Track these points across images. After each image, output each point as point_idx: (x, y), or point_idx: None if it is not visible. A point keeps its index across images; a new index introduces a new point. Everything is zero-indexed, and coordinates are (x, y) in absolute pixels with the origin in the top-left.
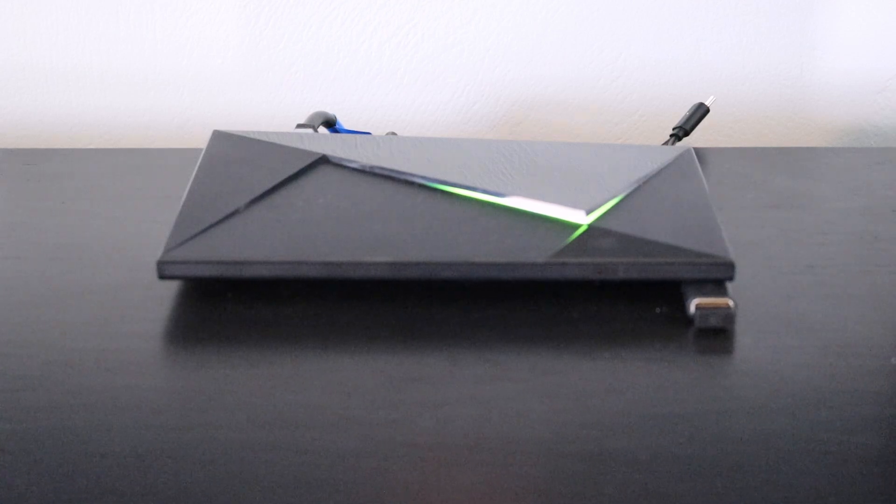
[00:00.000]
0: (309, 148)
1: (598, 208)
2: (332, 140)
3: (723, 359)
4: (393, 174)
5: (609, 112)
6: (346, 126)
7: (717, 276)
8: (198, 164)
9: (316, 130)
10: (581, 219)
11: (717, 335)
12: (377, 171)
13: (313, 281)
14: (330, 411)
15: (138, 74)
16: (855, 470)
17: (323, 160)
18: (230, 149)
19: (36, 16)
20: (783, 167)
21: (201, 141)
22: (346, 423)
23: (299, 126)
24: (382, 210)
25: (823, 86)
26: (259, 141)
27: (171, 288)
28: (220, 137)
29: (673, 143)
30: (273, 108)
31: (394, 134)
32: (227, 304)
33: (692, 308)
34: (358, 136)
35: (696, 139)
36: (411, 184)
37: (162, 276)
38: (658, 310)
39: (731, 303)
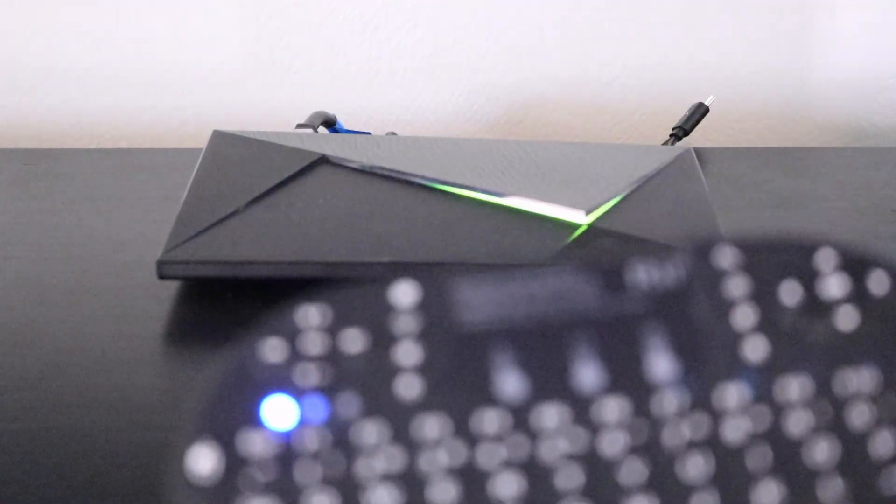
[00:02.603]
0: (309, 148)
1: (598, 208)
2: (332, 140)
3: None
4: (393, 174)
5: (609, 112)
6: (346, 126)
7: None
8: (198, 164)
9: (316, 130)
10: (581, 219)
11: None
12: (377, 171)
13: (313, 281)
14: None
15: (138, 74)
16: None
17: (323, 160)
18: (230, 149)
19: (36, 16)
20: (783, 167)
21: (201, 141)
22: None
23: (299, 126)
24: (382, 210)
25: (823, 86)
26: (259, 141)
27: (171, 288)
28: (220, 137)
29: (673, 143)
30: (273, 108)
31: (394, 134)
32: (227, 304)
33: None
34: (358, 136)
35: (696, 139)
36: (411, 184)
37: (162, 276)
38: None
39: None
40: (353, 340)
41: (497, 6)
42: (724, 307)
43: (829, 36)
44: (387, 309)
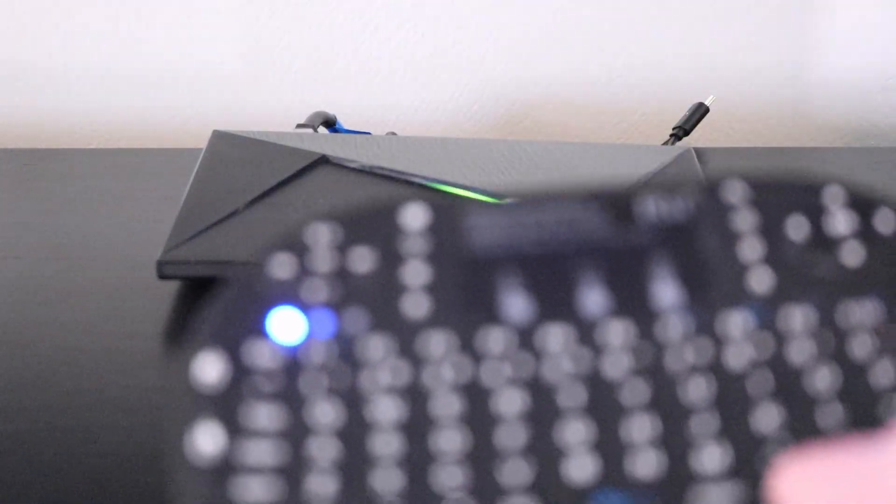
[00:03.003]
0: (309, 148)
1: None
2: (332, 140)
3: None
4: (393, 174)
5: (609, 112)
6: (346, 126)
7: None
8: (198, 164)
9: (316, 130)
10: None
11: None
12: (377, 171)
13: None
14: None
15: (138, 74)
16: None
17: (323, 160)
18: (230, 149)
19: (36, 16)
20: (783, 167)
21: (201, 141)
22: None
23: (299, 126)
24: None
25: (824, 85)
26: (259, 141)
27: (171, 288)
28: (220, 137)
29: (673, 143)
30: (273, 108)
31: (394, 134)
32: None
33: None
34: (358, 136)
35: (696, 139)
36: (411, 184)
37: (162, 276)
38: None
39: None
40: (362, 258)
41: (497, 6)
42: (731, 239)
43: (829, 36)
44: (396, 229)
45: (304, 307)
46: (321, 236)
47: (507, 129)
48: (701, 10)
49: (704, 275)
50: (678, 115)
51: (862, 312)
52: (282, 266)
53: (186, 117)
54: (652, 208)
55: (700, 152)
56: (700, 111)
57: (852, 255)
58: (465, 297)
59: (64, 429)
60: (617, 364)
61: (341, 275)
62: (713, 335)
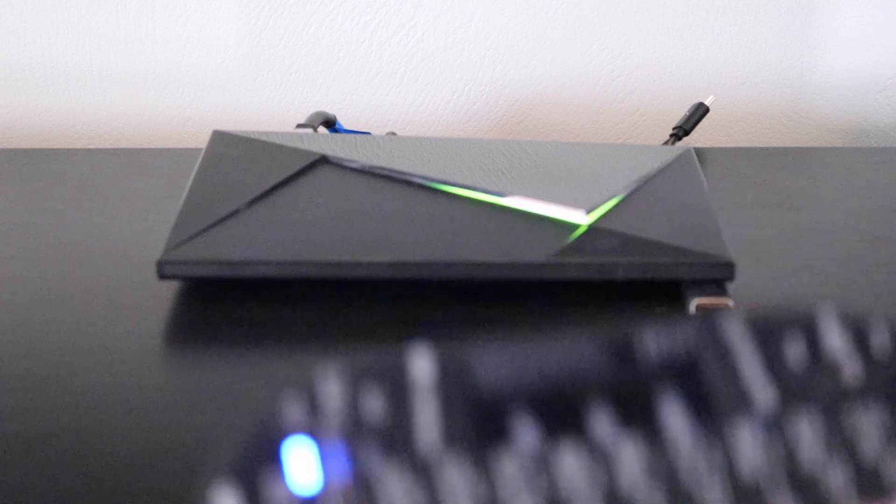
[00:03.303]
0: (309, 148)
1: (598, 208)
2: (332, 140)
3: None
4: (393, 174)
5: (609, 112)
6: (346, 126)
7: (717, 276)
8: (198, 164)
9: (316, 130)
10: (581, 219)
11: None
12: (377, 171)
13: (313, 281)
14: None
15: (138, 74)
16: None
17: (323, 160)
18: (230, 149)
19: (36, 16)
20: (783, 167)
21: (201, 141)
22: None
23: (299, 126)
24: (382, 210)
25: (823, 85)
26: (259, 141)
27: (171, 288)
28: (220, 137)
29: (673, 143)
30: (273, 108)
31: (394, 134)
32: (227, 304)
33: (692, 308)
34: (358, 136)
35: (696, 139)
36: (411, 184)
37: (162, 276)
38: (658, 310)
39: (731, 303)
40: (373, 398)
41: (497, 6)
42: (732, 362)
43: (829, 36)
44: (405, 372)
45: (319, 444)
46: (333, 376)
47: (507, 129)
48: (701, 10)
49: (710, 396)
50: (678, 115)
51: (867, 417)
52: (295, 404)
53: (186, 117)
54: (652, 343)
55: (700, 152)
56: (700, 111)
57: (851, 367)
58: (477, 430)
59: (64, 429)
60: (631, 478)
61: (353, 413)
62: (723, 448)
